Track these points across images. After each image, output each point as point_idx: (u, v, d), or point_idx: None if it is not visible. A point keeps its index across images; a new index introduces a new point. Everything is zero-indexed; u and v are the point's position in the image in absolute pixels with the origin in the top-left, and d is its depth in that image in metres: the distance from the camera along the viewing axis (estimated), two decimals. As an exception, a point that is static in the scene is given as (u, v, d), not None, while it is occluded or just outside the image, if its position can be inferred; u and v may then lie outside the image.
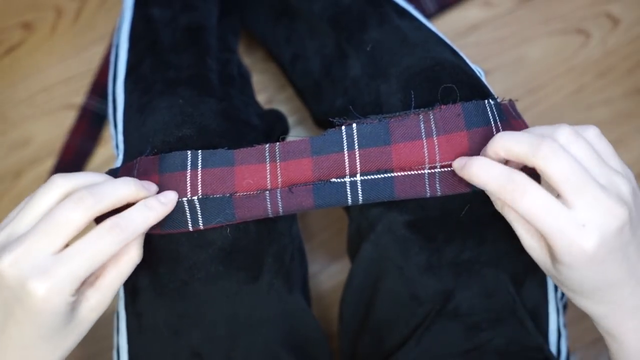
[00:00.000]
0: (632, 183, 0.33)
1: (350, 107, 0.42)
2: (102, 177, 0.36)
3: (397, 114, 0.38)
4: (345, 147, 0.38)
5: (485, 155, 0.35)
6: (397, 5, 0.49)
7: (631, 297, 0.33)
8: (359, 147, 0.38)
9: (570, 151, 0.32)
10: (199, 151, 0.38)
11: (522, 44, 0.80)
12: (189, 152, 0.38)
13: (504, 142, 0.33)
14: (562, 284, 0.34)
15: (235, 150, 0.39)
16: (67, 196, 0.34)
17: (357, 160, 0.38)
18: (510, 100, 0.41)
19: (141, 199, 0.36)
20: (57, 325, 0.33)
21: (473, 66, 0.45)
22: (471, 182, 0.35)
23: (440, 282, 0.41)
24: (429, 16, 0.79)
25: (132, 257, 0.36)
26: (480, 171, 0.34)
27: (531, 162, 0.32)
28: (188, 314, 0.40)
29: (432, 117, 0.37)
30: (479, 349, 0.40)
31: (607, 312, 0.34)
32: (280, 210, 0.39)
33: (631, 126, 0.78)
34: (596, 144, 0.33)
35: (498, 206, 0.36)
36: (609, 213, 0.31)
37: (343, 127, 0.38)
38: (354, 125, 0.38)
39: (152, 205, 0.36)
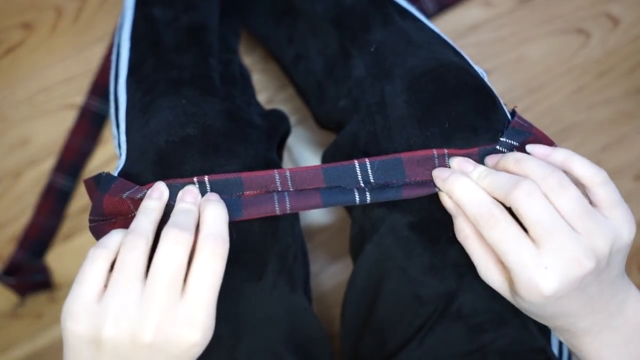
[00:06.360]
0: (621, 242, 0.34)
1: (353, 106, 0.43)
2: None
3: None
4: (360, 179, 0.39)
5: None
6: (400, 6, 0.49)
7: (585, 324, 0.36)
8: (374, 180, 0.39)
9: (554, 197, 0.33)
10: (206, 179, 0.38)
11: (522, 44, 0.80)
12: (196, 183, 0.38)
13: (483, 177, 0.36)
14: (521, 309, 0.37)
15: (243, 179, 0.39)
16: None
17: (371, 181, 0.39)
18: (513, 111, 0.42)
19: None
20: None
21: (476, 67, 0.45)
22: (449, 196, 0.37)
23: (444, 283, 0.41)
24: (429, 16, 0.79)
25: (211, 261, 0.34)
26: (463, 192, 0.36)
27: (505, 201, 0.34)
28: None
29: (446, 152, 0.39)
30: (481, 350, 0.40)
31: (563, 330, 0.37)
32: (288, 207, 0.39)
33: (631, 126, 0.78)
34: (599, 193, 0.34)
35: (460, 236, 0.37)
36: (574, 261, 0.32)
37: (355, 162, 0.39)
38: (367, 161, 0.39)
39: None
